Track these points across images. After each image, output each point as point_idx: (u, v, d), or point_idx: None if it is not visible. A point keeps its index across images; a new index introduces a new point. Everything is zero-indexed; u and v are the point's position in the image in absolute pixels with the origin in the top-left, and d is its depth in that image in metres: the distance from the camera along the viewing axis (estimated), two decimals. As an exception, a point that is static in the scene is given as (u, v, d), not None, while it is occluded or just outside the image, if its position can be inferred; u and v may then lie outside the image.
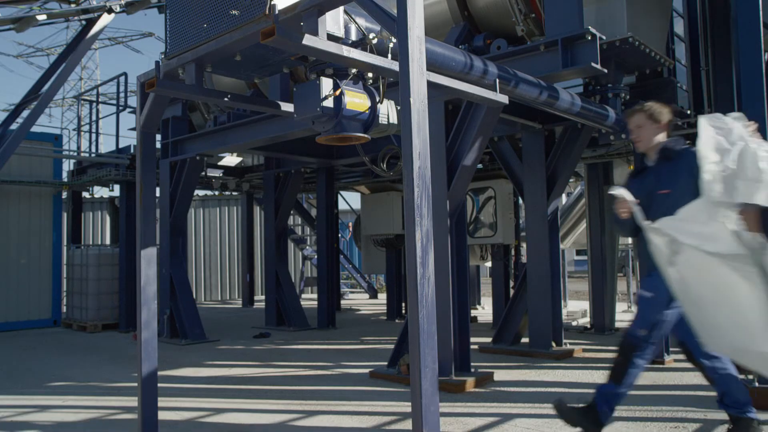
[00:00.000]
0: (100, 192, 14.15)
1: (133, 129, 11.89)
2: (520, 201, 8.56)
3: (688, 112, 6.58)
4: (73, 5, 8.86)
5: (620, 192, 3.40)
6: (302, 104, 2.94)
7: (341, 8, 2.81)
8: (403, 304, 10.88)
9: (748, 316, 2.89)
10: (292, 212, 12.10)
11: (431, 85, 3.02)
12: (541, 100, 4.64)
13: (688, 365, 6.01)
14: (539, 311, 6.79)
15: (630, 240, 11.63)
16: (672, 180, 3.42)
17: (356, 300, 15.47)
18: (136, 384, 3.10)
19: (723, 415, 4.21)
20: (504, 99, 3.97)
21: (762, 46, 4.72)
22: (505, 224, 9.06)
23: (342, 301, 13.96)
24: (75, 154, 12.65)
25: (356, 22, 2.95)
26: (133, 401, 4.14)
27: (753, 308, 2.84)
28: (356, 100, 2.96)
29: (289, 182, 10.03)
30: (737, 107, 5.17)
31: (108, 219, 14.44)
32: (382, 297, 14.89)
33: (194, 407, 4.84)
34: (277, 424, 4.31)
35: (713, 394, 4.86)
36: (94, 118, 12.41)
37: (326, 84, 2.86)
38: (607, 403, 3.48)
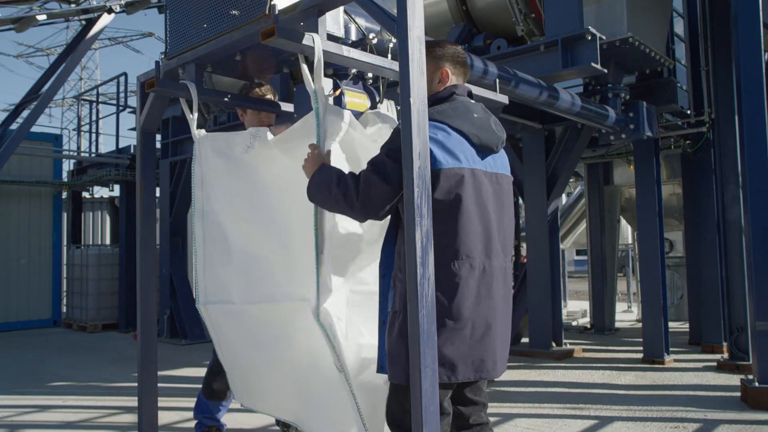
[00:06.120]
0: (100, 192, 14.10)
1: (133, 129, 11.89)
2: (520, 201, 8.56)
3: (688, 112, 6.59)
4: (73, 5, 8.84)
5: None
6: (302, 104, 2.93)
7: (341, 8, 2.80)
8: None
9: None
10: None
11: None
12: (541, 100, 4.64)
13: (688, 365, 6.06)
14: (539, 311, 6.79)
15: (630, 240, 11.64)
16: None
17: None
18: (136, 384, 3.10)
19: (724, 415, 4.23)
20: (504, 99, 3.97)
21: (762, 46, 4.73)
22: (505, 224, 9.05)
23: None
24: (75, 154, 12.65)
25: (356, 22, 2.95)
26: (133, 401, 4.13)
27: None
28: (356, 100, 2.96)
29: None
30: (737, 107, 5.18)
31: (108, 219, 14.41)
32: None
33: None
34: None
35: (713, 394, 4.88)
36: (94, 118, 12.42)
37: (326, 84, 2.85)
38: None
